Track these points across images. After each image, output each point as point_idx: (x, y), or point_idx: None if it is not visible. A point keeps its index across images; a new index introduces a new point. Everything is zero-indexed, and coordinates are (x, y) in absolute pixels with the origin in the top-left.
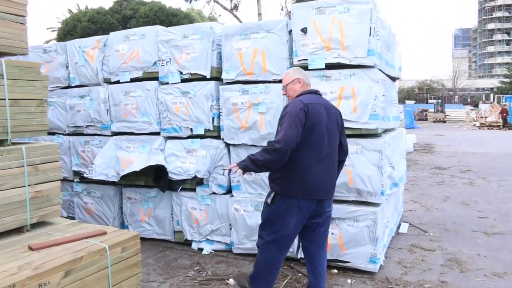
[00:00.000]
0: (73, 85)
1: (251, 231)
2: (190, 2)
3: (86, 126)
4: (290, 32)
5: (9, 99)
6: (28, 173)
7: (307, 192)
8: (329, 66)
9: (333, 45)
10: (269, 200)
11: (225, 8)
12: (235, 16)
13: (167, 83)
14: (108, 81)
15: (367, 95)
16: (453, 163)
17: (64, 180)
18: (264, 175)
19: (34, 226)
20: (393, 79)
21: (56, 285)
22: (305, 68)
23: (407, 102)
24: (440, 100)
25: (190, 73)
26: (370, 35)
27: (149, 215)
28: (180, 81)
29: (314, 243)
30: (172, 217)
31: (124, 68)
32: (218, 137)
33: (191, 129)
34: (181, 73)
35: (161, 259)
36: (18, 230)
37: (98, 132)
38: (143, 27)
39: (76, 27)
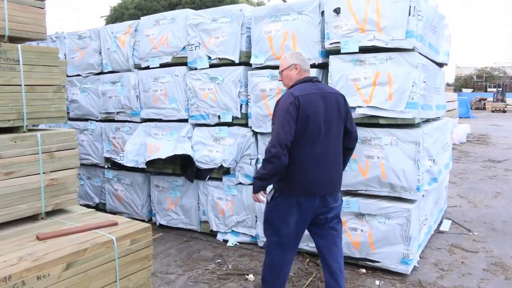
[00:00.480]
0: (105, 71)
1: None
2: None
3: (117, 113)
4: (322, 13)
5: (25, 85)
6: (43, 161)
7: (305, 189)
8: (363, 50)
9: (368, 26)
10: (268, 198)
11: None
12: (284, 1)
13: (196, 69)
14: (139, 67)
15: (404, 81)
16: (510, 156)
17: (96, 166)
18: None
19: (50, 214)
20: (440, 65)
21: (56, 277)
22: (337, 52)
23: (464, 90)
24: (500, 89)
25: (219, 58)
26: (409, 14)
27: (176, 204)
28: (208, 66)
29: (325, 239)
30: (199, 206)
31: (154, 53)
32: (246, 125)
33: (219, 116)
34: (209, 58)
35: (184, 249)
36: (33, 218)
37: (128, 119)
38: (173, 11)
39: (124, 15)
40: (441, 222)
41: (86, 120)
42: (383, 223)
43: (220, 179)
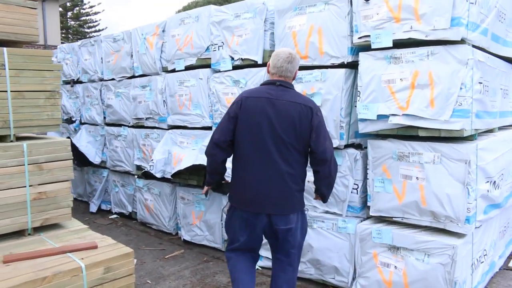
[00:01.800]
0: (136, 74)
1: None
2: None
3: (146, 119)
4: (352, 2)
5: (12, 91)
6: (30, 172)
7: (243, 202)
8: (399, 44)
9: (403, 14)
10: (225, 210)
11: None
12: None
13: (219, 71)
14: (166, 70)
15: (450, 83)
16: None
17: (129, 173)
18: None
19: (39, 229)
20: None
21: None
22: (368, 47)
23: None
24: None
25: (242, 59)
26: None
27: (200, 218)
28: (231, 68)
29: (275, 264)
30: (222, 223)
31: (179, 55)
32: None
33: None
34: (232, 59)
35: (199, 271)
36: (20, 234)
37: (156, 125)
38: (198, 8)
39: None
40: (511, 255)
41: (120, 125)
42: (421, 261)
43: None
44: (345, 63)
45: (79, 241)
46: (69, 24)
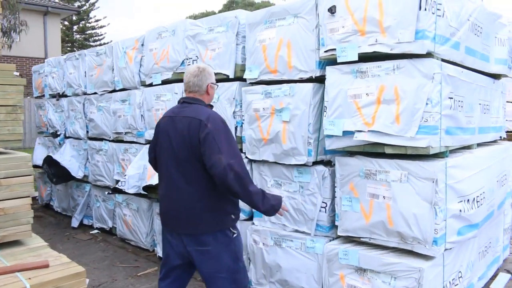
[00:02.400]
0: (117, 88)
1: (270, 270)
2: None
3: (125, 133)
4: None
5: None
6: None
7: (162, 219)
8: (366, 58)
9: (368, 27)
10: None
11: None
12: None
13: None
14: (144, 84)
15: (416, 98)
16: None
17: (109, 188)
18: (288, 203)
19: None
20: (494, 76)
21: None
22: (335, 61)
23: None
24: None
25: (215, 73)
26: (420, 8)
27: None
28: None
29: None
30: None
31: (156, 69)
32: (241, 150)
33: None
34: None
35: None
36: None
37: (135, 140)
38: (175, 22)
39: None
40: (494, 275)
41: (102, 140)
42: (388, 284)
43: None
44: (313, 77)
45: (33, 260)
46: (74, 38)
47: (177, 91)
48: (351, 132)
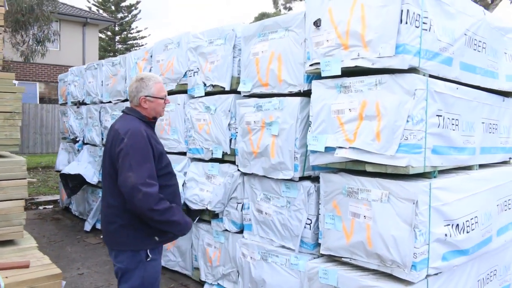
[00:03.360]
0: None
1: (256, 285)
2: None
3: None
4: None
5: None
6: None
7: None
8: (351, 72)
9: (351, 41)
10: None
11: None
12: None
13: (194, 97)
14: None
15: (397, 115)
16: None
17: None
18: (276, 218)
19: None
20: (504, 94)
21: None
22: (319, 75)
23: None
24: None
25: (212, 85)
26: (401, 22)
27: (174, 244)
28: (204, 94)
29: None
30: (192, 250)
31: (162, 80)
32: (234, 162)
33: (212, 151)
34: (205, 85)
35: None
36: None
37: None
38: (180, 34)
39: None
40: None
41: None
42: None
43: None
44: (302, 91)
45: (18, 259)
46: (116, 48)
47: (179, 102)
48: (333, 148)
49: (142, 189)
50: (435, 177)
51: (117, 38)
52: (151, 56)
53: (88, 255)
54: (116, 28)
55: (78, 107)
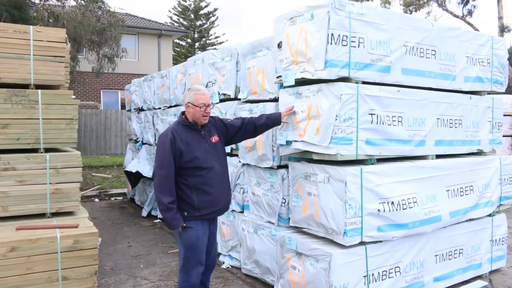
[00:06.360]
0: (172, 105)
1: (249, 253)
2: (411, 14)
3: None
4: None
5: (43, 119)
6: (50, 175)
7: None
8: (303, 82)
9: (299, 58)
10: None
11: (455, 16)
12: (469, 24)
13: (212, 104)
14: None
15: (329, 114)
16: None
17: None
18: (264, 199)
19: (55, 215)
20: (473, 92)
21: (1, 255)
22: (282, 85)
23: None
24: None
25: (223, 94)
26: (328, 42)
27: None
28: (218, 101)
29: None
30: None
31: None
32: (237, 155)
33: None
34: (219, 93)
35: None
36: (42, 216)
37: None
38: (203, 52)
39: None
40: (468, 281)
41: None
42: (313, 266)
43: None
44: (277, 98)
45: (72, 223)
46: (196, 54)
47: None
48: (290, 142)
49: (156, 177)
50: (372, 163)
51: (197, 44)
52: (185, 70)
53: (139, 234)
54: (196, 35)
55: (138, 113)
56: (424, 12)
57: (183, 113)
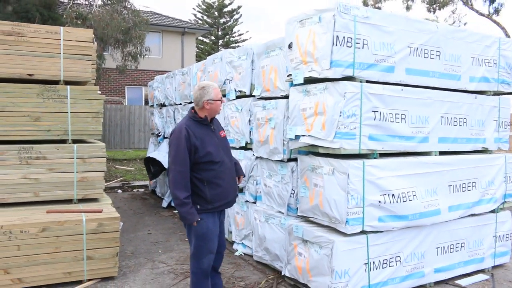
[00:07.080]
0: (192, 101)
1: (260, 241)
2: (434, 13)
3: None
4: None
5: (71, 112)
6: (77, 164)
7: None
8: (312, 81)
9: (308, 58)
10: None
11: (481, 14)
12: (495, 22)
13: (229, 100)
14: None
15: (334, 111)
16: None
17: None
18: (275, 190)
19: (81, 201)
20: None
21: (34, 235)
22: (292, 83)
23: None
24: None
25: (239, 91)
26: (334, 44)
27: None
28: (235, 97)
29: None
30: (228, 218)
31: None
32: (251, 149)
33: (240, 141)
34: (235, 90)
35: None
36: (69, 202)
37: None
38: (221, 51)
39: None
40: (469, 274)
41: None
42: (317, 252)
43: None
44: (288, 95)
45: (93, 208)
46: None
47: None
48: (298, 136)
49: (171, 172)
50: (375, 157)
51: (220, 42)
52: (205, 68)
53: (159, 223)
54: (219, 33)
55: (160, 108)
56: (449, 11)
57: (192, 108)
